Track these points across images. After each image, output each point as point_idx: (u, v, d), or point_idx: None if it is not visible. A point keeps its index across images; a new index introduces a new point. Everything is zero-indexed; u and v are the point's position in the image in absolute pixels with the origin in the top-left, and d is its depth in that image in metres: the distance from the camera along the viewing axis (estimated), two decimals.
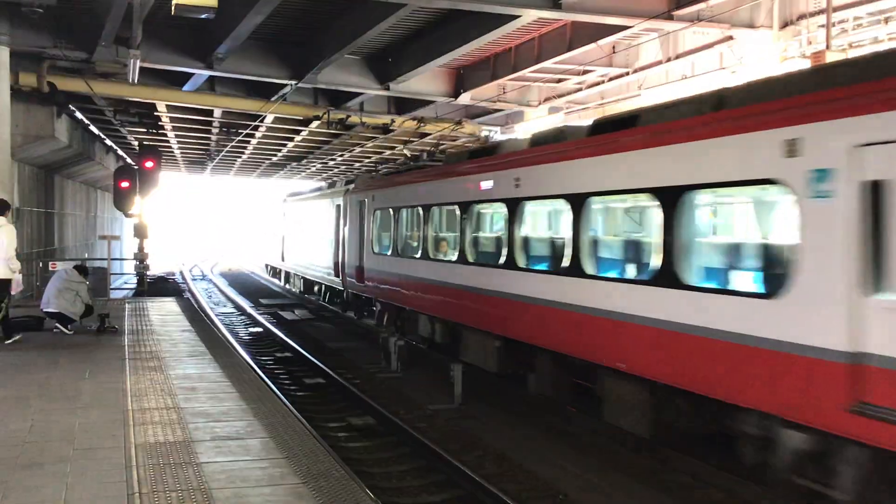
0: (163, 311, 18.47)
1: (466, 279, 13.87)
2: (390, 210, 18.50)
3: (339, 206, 24.24)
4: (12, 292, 13.40)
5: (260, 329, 22.84)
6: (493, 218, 14.77)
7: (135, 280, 27.56)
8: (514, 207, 12.35)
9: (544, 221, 13.58)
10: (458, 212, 14.52)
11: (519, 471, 9.79)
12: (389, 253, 18.45)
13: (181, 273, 45.96)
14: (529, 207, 12.52)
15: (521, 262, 12.24)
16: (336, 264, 24.25)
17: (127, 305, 19.36)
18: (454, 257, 14.63)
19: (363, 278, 20.59)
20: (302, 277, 31.65)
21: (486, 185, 13.44)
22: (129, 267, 29.68)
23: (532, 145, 12.52)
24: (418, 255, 16.26)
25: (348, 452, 10.41)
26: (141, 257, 23.89)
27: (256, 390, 9.97)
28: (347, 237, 22.73)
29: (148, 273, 25.80)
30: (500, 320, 12.66)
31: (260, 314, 26.31)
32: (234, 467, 6.76)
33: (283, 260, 35.58)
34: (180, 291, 30.82)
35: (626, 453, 10.46)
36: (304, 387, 14.82)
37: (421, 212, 16.33)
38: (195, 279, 44.43)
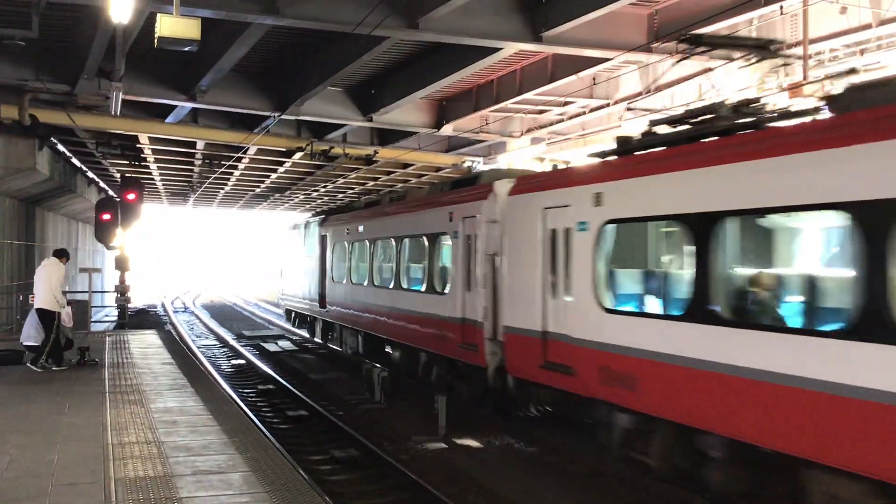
0: (144, 343, 18.32)
1: None
2: (722, 224, 8.37)
3: (467, 220, 14.23)
4: (66, 324, 14.35)
5: (242, 361, 22.67)
6: None
7: (116, 313, 27.32)
8: None
9: None
10: None
11: (503, 503, 9.72)
12: (701, 316, 8.46)
13: (163, 305, 45.69)
14: None
15: None
16: (462, 327, 14.13)
17: (108, 338, 19.20)
18: None
19: (559, 358, 11.06)
20: (362, 334, 20.59)
21: None
22: (110, 299, 29.38)
23: None
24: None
25: (332, 486, 10.30)
26: (122, 290, 23.74)
27: (238, 423, 9.88)
28: (507, 278, 12.78)
29: (129, 305, 25.61)
30: None
31: (242, 346, 26.14)
32: (215, 502, 6.68)
33: (322, 307, 24.00)
34: (162, 324, 30.66)
35: (612, 484, 10.41)
36: (286, 419, 14.70)
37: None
38: (177, 311, 44.18)
